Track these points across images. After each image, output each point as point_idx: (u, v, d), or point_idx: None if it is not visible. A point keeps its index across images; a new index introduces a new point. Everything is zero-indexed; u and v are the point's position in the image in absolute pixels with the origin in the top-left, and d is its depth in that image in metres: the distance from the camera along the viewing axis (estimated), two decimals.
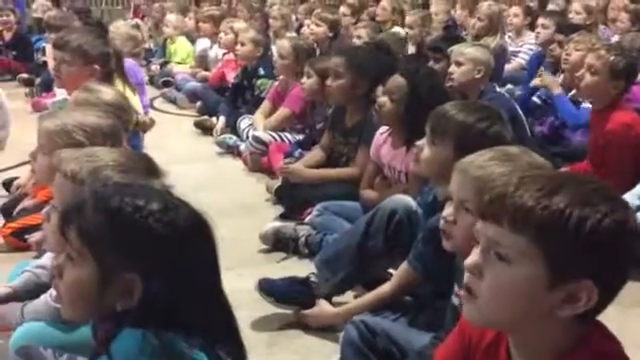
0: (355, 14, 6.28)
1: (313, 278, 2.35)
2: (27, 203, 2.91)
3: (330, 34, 5.24)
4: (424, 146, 2.01)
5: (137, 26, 4.02)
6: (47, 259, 2.06)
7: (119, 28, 4.04)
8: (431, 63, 3.83)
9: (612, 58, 2.87)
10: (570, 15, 5.08)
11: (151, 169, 1.52)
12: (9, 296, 2.03)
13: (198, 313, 1.06)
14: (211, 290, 1.10)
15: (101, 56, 2.80)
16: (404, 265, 2.10)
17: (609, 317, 2.04)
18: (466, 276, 1.03)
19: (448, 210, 1.54)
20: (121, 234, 1.04)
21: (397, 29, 5.61)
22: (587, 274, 0.95)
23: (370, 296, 2.15)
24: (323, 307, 2.23)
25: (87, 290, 1.07)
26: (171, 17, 6.45)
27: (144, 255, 1.04)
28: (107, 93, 2.40)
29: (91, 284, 1.06)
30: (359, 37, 4.80)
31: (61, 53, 2.82)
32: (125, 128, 2.18)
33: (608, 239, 0.95)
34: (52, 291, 1.81)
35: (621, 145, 2.87)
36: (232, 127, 4.47)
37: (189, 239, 1.06)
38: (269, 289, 2.32)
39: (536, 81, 3.95)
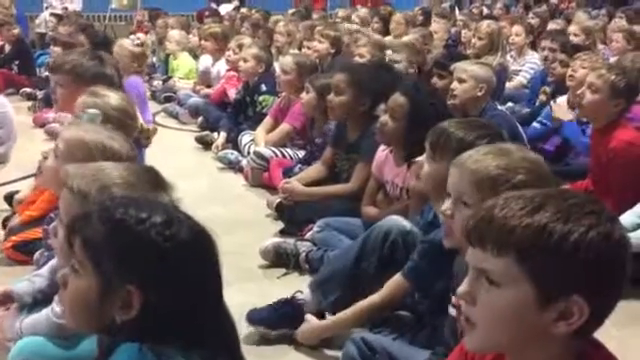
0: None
1: (300, 296, 2.34)
2: (13, 223, 2.90)
3: (332, 51, 5.27)
4: (424, 162, 2.02)
5: (141, 44, 4.05)
6: (45, 270, 2.06)
7: (123, 48, 4.06)
8: (435, 80, 3.88)
9: (613, 77, 2.89)
10: (569, 37, 5.12)
11: (158, 183, 1.52)
12: (6, 294, 2.02)
13: (198, 327, 1.06)
14: (212, 305, 1.10)
15: (96, 77, 2.75)
16: (397, 276, 2.10)
17: (610, 336, 2.03)
18: (462, 305, 1.03)
19: (446, 204, 1.54)
20: (122, 245, 1.05)
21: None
22: (575, 290, 0.95)
23: (359, 306, 2.13)
24: (311, 323, 2.21)
25: (88, 300, 1.08)
26: (174, 33, 6.49)
27: (144, 267, 1.04)
28: (113, 98, 2.40)
29: (92, 295, 1.07)
30: (361, 55, 4.84)
31: (56, 76, 2.81)
32: (129, 134, 2.18)
33: (592, 253, 0.95)
34: (54, 306, 1.80)
35: (624, 163, 2.88)
36: (233, 142, 4.48)
37: (191, 253, 1.06)
38: (257, 319, 2.31)
39: (542, 97, 3.96)
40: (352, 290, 2.28)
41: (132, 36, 4.79)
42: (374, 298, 2.12)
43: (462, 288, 1.02)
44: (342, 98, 3.26)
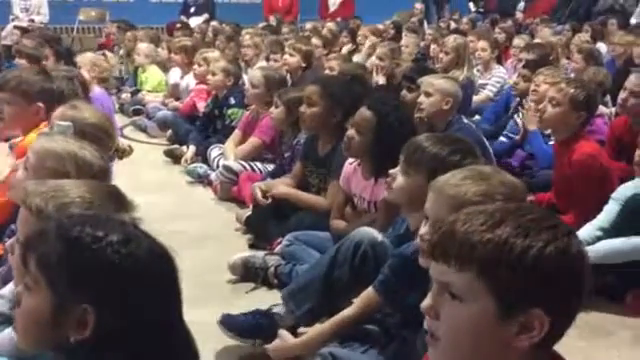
0: (327, 46, 6.38)
1: (276, 309, 2.33)
2: None
3: (303, 64, 5.30)
4: (397, 175, 2.03)
5: (104, 55, 4.02)
6: (7, 290, 2.00)
7: (85, 57, 4.03)
8: (404, 93, 3.92)
9: (572, 91, 2.96)
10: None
11: (119, 202, 1.49)
12: None
13: (155, 347, 1.04)
14: (170, 324, 1.08)
15: (42, 93, 2.70)
16: (369, 289, 2.10)
17: (575, 347, 2.05)
18: (426, 320, 1.04)
19: (424, 229, 1.55)
20: (77, 264, 1.03)
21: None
22: (535, 303, 0.97)
23: (332, 322, 2.13)
24: (284, 338, 2.19)
25: (41, 319, 1.06)
26: (142, 46, 6.45)
27: (99, 286, 1.03)
28: (90, 112, 2.36)
29: (45, 313, 1.05)
30: (331, 68, 4.87)
31: (1, 94, 2.73)
32: (104, 150, 2.15)
33: (551, 267, 0.96)
34: None
35: (586, 175, 2.93)
36: (202, 156, 4.46)
37: (148, 272, 1.05)
38: (230, 324, 2.29)
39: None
40: (325, 300, 2.29)
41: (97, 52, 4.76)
42: (346, 312, 2.12)
43: (425, 302, 1.03)
44: (314, 110, 3.27)
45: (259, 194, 3.32)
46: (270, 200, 3.30)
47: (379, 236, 2.28)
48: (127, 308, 1.03)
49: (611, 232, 2.67)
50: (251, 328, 2.29)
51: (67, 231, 1.06)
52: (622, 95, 3.47)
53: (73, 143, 1.94)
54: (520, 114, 3.98)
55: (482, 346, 0.99)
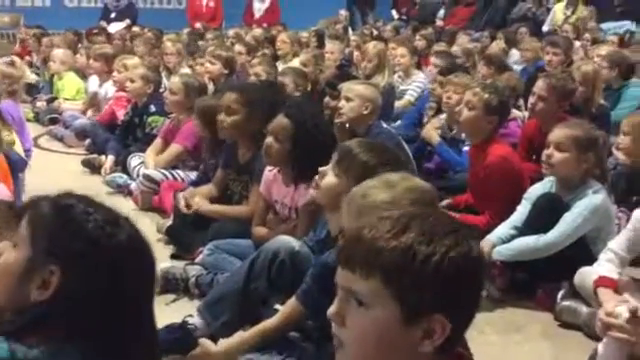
0: (251, 52, 6.35)
1: (191, 321, 2.29)
2: None
3: (225, 71, 5.24)
4: (327, 173, 2.03)
5: (12, 63, 3.83)
6: None
7: None
8: (327, 99, 3.96)
9: (487, 95, 3.07)
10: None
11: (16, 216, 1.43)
12: None
13: (107, 334, 1.07)
14: (134, 317, 1.10)
15: None
16: (292, 299, 2.10)
17: (491, 343, 2.12)
18: (333, 326, 1.04)
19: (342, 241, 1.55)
20: (59, 227, 1.10)
21: (296, 61, 5.72)
22: (438, 308, 0.98)
23: (254, 331, 2.12)
24: (205, 347, 2.16)
25: (13, 271, 1.11)
26: (58, 52, 6.21)
27: (71, 253, 1.08)
28: None
29: (18, 266, 1.11)
30: (257, 75, 4.84)
31: None
32: None
33: (453, 272, 0.98)
34: None
35: (500, 177, 3.03)
36: (122, 165, 4.34)
37: (124, 257, 1.10)
38: None
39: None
40: (242, 311, 2.26)
41: (5, 58, 4.54)
42: (270, 322, 2.11)
43: (332, 309, 1.03)
44: (233, 118, 3.24)
45: (182, 203, 3.25)
46: (193, 209, 3.25)
47: (297, 245, 2.27)
48: (92, 283, 1.07)
49: (524, 230, 2.78)
50: (168, 343, 2.23)
51: (61, 199, 1.15)
52: (531, 99, 3.63)
53: None
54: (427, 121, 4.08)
55: (387, 352, 1.00)
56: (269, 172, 2.92)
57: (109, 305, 1.07)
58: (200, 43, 6.62)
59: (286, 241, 2.29)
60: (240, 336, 2.18)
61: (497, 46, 6.75)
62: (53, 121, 5.73)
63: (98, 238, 1.09)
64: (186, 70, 5.59)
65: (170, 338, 2.24)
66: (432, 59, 5.08)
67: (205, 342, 2.18)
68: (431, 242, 0.98)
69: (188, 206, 3.24)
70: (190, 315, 2.31)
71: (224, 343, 2.17)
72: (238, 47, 6.22)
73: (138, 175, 4.00)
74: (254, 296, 2.24)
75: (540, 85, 3.57)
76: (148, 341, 1.15)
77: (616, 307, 1.53)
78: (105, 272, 1.08)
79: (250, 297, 2.25)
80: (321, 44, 7.07)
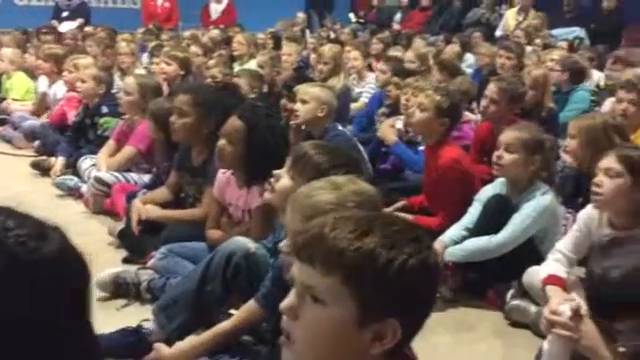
0: (207, 54, 6.29)
1: (146, 325, 2.25)
2: None
3: (181, 72, 5.18)
4: (282, 175, 2.02)
5: None
6: None
7: None
8: (284, 101, 3.95)
9: (438, 98, 3.11)
10: (406, 63, 5.44)
11: None
12: None
13: (41, 351, 0.99)
14: (56, 334, 1.03)
15: None
16: (251, 302, 2.08)
17: (440, 342, 2.14)
18: (283, 320, 1.03)
19: (285, 241, 1.55)
20: None
21: (253, 63, 5.70)
22: (392, 312, 0.99)
23: (210, 333, 2.09)
24: (159, 351, 2.12)
25: None
26: (7, 51, 6.03)
27: None
28: None
29: None
30: (213, 76, 4.79)
31: None
32: None
33: (411, 279, 0.99)
34: None
35: (451, 179, 3.08)
36: (73, 168, 4.25)
37: (50, 271, 0.99)
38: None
39: (381, 118, 4.17)
40: (197, 314, 2.23)
41: None
42: (226, 324, 2.08)
43: (285, 303, 1.03)
44: (186, 120, 3.19)
45: (135, 220, 3.18)
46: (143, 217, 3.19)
47: (252, 246, 2.26)
48: (13, 303, 0.96)
49: (475, 232, 2.82)
50: (122, 347, 2.19)
51: None
52: (483, 103, 3.70)
53: None
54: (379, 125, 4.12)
55: (338, 351, 1.00)
56: (223, 174, 2.89)
57: (35, 325, 0.97)
58: (153, 44, 6.51)
59: (242, 242, 2.27)
60: (194, 339, 2.15)
61: (452, 50, 6.86)
62: (1, 122, 5.58)
63: (18, 255, 0.98)
64: (141, 71, 5.50)
65: (125, 342, 2.21)
66: (379, 65, 5.11)
67: (159, 346, 2.14)
68: (393, 247, 0.99)
69: (139, 221, 3.18)
70: (146, 319, 2.27)
71: (178, 346, 2.13)
72: (194, 48, 6.16)
73: (89, 178, 3.91)
74: (209, 298, 2.22)
75: (492, 89, 3.64)
76: (87, 355, 1.08)
77: (560, 305, 1.57)
78: (28, 289, 0.97)
79: (205, 299, 2.22)
80: (278, 46, 7.06)
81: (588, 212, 2.43)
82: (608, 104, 4.31)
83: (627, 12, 8.28)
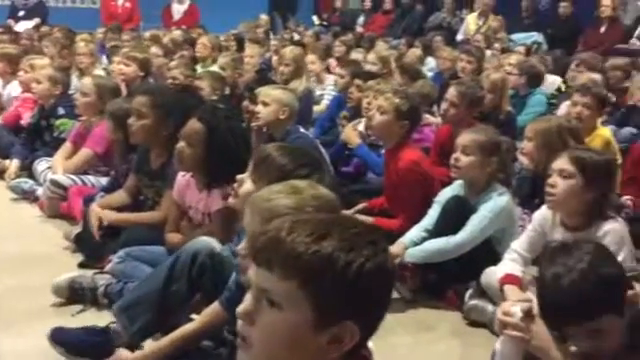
0: (168, 55, 6.22)
1: (114, 327, 2.21)
2: None
3: (141, 73, 5.10)
4: (245, 180, 2.01)
5: None
6: None
7: None
8: (246, 103, 3.93)
9: (397, 100, 3.14)
10: (367, 66, 5.47)
11: None
12: None
13: None
14: None
15: None
16: (215, 304, 2.05)
17: (401, 343, 2.15)
18: (239, 324, 1.02)
19: (242, 244, 1.53)
20: None
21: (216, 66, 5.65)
22: (349, 316, 0.99)
23: (171, 337, 2.05)
24: (120, 356, 2.08)
25: None
26: None
27: None
28: None
29: None
30: (174, 78, 4.74)
31: None
32: None
33: (369, 282, 0.99)
34: None
35: (411, 181, 3.11)
36: (28, 170, 4.16)
37: None
38: (61, 339, 2.13)
39: (343, 122, 4.18)
40: (161, 314, 2.19)
41: None
42: (189, 327, 2.05)
43: (242, 307, 1.02)
44: (144, 122, 3.15)
45: (96, 225, 3.11)
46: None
47: (217, 246, 2.23)
48: None
49: (434, 233, 2.85)
50: (83, 344, 2.14)
51: None
52: (443, 106, 3.74)
53: None
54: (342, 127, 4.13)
55: (295, 355, 0.99)
56: (182, 177, 2.86)
57: None
58: (111, 44, 6.40)
59: (207, 242, 2.24)
60: (156, 344, 2.11)
61: (414, 54, 6.93)
62: None
63: None
64: (100, 71, 5.40)
65: (88, 341, 2.16)
66: (337, 69, 5.13)
67: (121, 351, 2.10)
68: (351, 250, 0.98)
69: (100, 226, 3.11)
70: (114, 322, 2.23)
71: (141, 353, 2.10)
72: (155, 49, 6.08)
73: (45, 180, 3.83)
74: (174, 298, 2.18)
75: (451, 92, 3.69)
76: None
77: (511, 306, 1.60)
78: None
79: (170, 299, 2.18)
80: (241, 48, 7.03)
81: (542, 212, 2.48)
82: (564, 107, 4.42)
83: (580, 17, 8.50)
